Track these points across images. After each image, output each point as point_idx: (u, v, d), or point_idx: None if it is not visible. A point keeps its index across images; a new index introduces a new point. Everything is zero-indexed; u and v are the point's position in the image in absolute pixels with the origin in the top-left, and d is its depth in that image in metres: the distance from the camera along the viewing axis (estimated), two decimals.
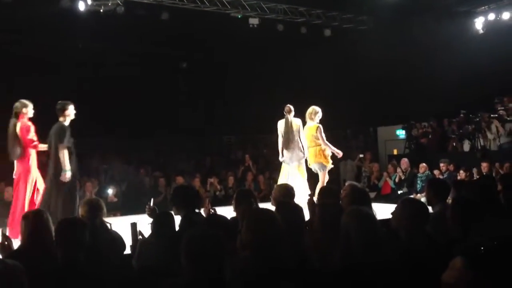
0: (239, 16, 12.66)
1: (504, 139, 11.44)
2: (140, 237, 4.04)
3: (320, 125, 7.83)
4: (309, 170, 8.15)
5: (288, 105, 8.07)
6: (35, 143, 6.23)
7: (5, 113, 6.38)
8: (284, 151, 7.97)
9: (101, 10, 11.22)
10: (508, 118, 11.59)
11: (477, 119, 11.74)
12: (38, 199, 6.23)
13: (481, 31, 13.35)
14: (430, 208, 3.97)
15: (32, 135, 6.21)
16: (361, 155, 13.32)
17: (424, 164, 10.59)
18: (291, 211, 3.69)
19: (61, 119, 6.24)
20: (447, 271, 1.62)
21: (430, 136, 13.02)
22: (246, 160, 12.87)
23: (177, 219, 4.15)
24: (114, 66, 14.23)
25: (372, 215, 2.94)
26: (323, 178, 7.78)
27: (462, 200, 3.42)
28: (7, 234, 4.61)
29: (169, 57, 15.35)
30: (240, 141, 16.41)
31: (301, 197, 5.48)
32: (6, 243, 3.50)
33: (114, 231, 4.21)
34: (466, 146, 12.24)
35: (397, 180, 11.05)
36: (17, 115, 6.19)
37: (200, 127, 15.38)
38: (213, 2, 12.03)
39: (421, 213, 3.13)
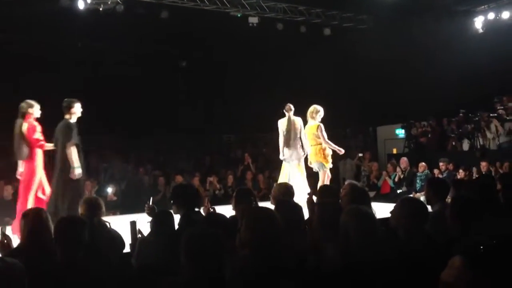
0: (239, 15, 12.65)
1: (503, 138, 11.45)
2: (140, 235, 4.04)
3: (321, 124, 7.83)
4: (308, 169, 8.15)
5: (288, 103, 8.07)
6: (41, 142, 6.24)
7: (8, 113, 6.38)
8: (285, 149, 7.97)
9: (101, 9, 11.21)
10: (508, 118, 11.61)
11: (477, 119, 11.75)
12: (44, 196, 6.24)
13: (480, 31, 13.36)
14: (429, 207, 3.98)
15: (38, 135, 6.23)
16: (360, 154, 13.33)
17: (423, 163, 10.59)
18: (290, 210, 3.69)
19: (67, 116, 6.25)
20: (446, 270, 1.62)
21: (429, 135, 13.03)
22: (246, 159, 12.86)
23: (177, 218, 4.15)
24: (113, 64, 14.22)
25: (371, 214, 2.94)
26: (323, 177, 7.77)
27: (461, 199, 3.42)
28: (12, 232, 4.63)
29: (169, 56, 15.34)
30: (239, 140, 16.41)
31: (301, 196, 5.48)
32: (5, 241, 3.50)
33: (113, 229, 4.22)
34: (466, 145, 12.26)
35: (396, 179, 11.06)
36: (23, 116, 6.20)
37: (200, 126, 15.38)
38: (212, 1, 12.02)
39: (420, 212, 3.14)
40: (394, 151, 13.97)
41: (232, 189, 10.18)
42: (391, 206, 3.37)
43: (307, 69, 13.96)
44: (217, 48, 14.58)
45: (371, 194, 8.58)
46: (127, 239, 4.18)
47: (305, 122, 8.07)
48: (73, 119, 6.25)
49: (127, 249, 4.15)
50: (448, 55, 12.29)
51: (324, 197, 4.36)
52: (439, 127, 13.04)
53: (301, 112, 8.22)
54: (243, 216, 2.93)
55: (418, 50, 12.93)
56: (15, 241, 3.67)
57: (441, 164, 10.39)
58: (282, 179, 7.88)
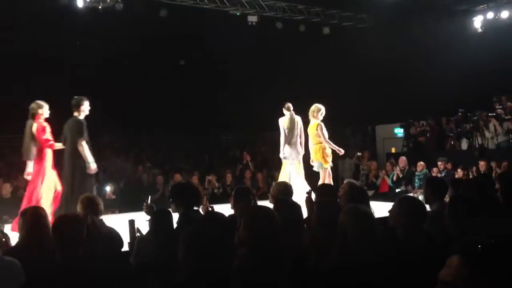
0: (238, 14, 12.64)
1: (502, 137, 11.46)
2: (138, 234, 4.04)
3: (321, 123, 7.82)
4: (307, 168, 8.15)
5: (288, 102, 8.07)
6: (51, 142, 6.29)
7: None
8: (286, 147, 7.96)
9: (100, 7, 11.19)
10: (506, 117, 11.62)
11: (475, 118, 11.76)
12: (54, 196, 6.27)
13: (480, 30, 13.38)
14: (427, 207, 3.98)
15: (48, 135, 6.28)
16: (359, 153, 13.34)
17: (422, 162, 10.61)
18: (289, 209, 3.69)
19: (75, 114, 6.35)
20: (444, 269, 1.62)
21: (428, 135, 13.04)
22: (245, 158, 12.86)
23: (175, 216, 4.15)
24: (111, 63, 14.19)
25: (369, 213, 2.94)
26: (324, 177, 7.76)
27: (459, 198, 3.42)
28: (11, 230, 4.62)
29: (167, 55, 15.31)
30: (238, 139, 16.41)
31: (300, 195, 5.48)
32: (3, 239, 3.50)
33: (112, 228, 4.22)
34: (464, 145, 12.27)
35: (395, 178, 11.07)
36: (34, 116, 6.26)
37: (199, 125, 15.37)
38: None
39: (418, 211, 3.14)
40: (393, 150, 13.97)
41: (231, 188, 10.19)
42: (389, 205, 3.37)
43: (306, 68, 13.95)
44: (216, 47, 14.56)
45: (370, 193, 8.58)
46: (126, 238, 4.18)
47: (306, 121, 8.06)
48: (82, 117, 6.36)
49: (125, 247, 4.14)
50: (447, 54, 12.30)
51: (323, 196, 4.37)
52: (438, 127, 13.05)
53: (300, 111, 8.22)
54: (241, 214, 2.93)
55: (417, 50, 12.93)
56: (14, 239, 3.67)
57: (439, 163, 10.40)
58: (282, 178, 7.88)
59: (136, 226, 4.14)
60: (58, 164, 6.47)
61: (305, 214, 4.40)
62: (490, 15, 13.23)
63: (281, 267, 2.56)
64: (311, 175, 8.28)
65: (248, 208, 3.61)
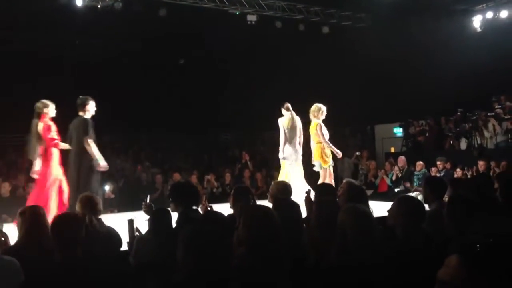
0: (237, 13, 12.64)
1: (501, 137, 11.47)
2: (137, 233, 4.03)
3: (321, 123, 7.80)
4: (308, 168, 8.15)
5: (287, 102, 8.04)
6: (56, 141, 6.32)
7: None
8: (287, 147, 7.92)
9: (99, 6, 11.18)
10: (505, 117, 11.62)
11: (474, 118, 11.76)
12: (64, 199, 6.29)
13: (479, 30, 13.38)
14: (426, 206, 3.99)
15: (54, 134, 6.31)
16: (358, 153, 13.34)
17: (421, 162, 10.61)
18: (288, 208, 3.70)
19: (81, 113, 6.41)
20: (442, 269, 1.63)
21: (427, 134, 13.04)
22: (244, 157, 12.86)
23: (174, 216, 4.15)
24: (111, 62, 14.19)
25: (368, 213, 2.94)
26: (324, 176, 7.75)
27: (458, 198, 3.43)
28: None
29: (167, 54, 15.31)
30: (237, 138, 16.41)
31: (299, 194, 5.48)
32: (2, 238, 3.50)
33: (111, 227, 4.22)
34: (463, 144, 12.27)
35: (394, 178, 11.07)
36: (39, 115, 6.29)
37: (198, 124, 15.37)
38: None
39: (417, 210, 3.14)
40: (392, 149, 13.98)
41: (230, 187, 10.18)
42: (388, 205, 3.37)
43: (305, 67, 13.95)
44: (215, 46, 14.56)
45: (369, 192, 8.59)
46: (125, 237, 4.18)
47: (306, 121, 8.05)
48: (87, 116, 6.42)
49: (124, 247, 4.14)
50: (446, 54, 12.30)
51: (322, 195, 4.37)
52: (437, 126, 13.05)
53: (300, 111, 8.20)
54: (241, 214, 2.93)
55: (416, 49, 12.93)
56: (14, 239, 3.67)
57: (438, 163, 10.40)
58: (281, 178, 7.86)
59: (135, 225, 4.14)
60: (63, 163, 6.49)
61: (304, 213, 4.41)
62: (489, 14, 13.23)
63: (281, 267, 2.57)
64: (311, 175, 8.28)
65: (247, 207, 3.61)
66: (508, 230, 3.08)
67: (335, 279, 2.54)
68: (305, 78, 14.04)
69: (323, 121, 7.91)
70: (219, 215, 4.21)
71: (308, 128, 7.98)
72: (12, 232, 3.84)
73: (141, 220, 4.21)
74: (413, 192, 10.28)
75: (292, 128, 7.91)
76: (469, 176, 9.33)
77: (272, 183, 5.43)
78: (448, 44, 12.65)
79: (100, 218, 4.18)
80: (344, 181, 4.60)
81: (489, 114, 11.72)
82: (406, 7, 12.21)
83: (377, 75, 13.64)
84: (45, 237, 3.28)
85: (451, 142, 12.40)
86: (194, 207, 4.36)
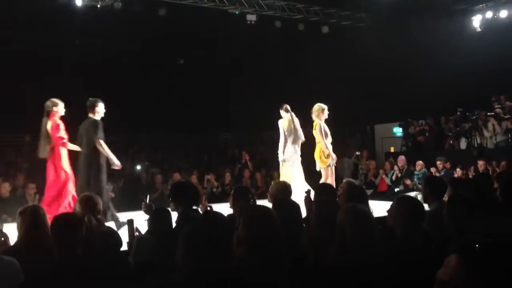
0: (237, 13, 12.64)
1: (501, 137, 11.47)
2: (137, 233, 4.04)
3: (320, 123, 7.78)
4: (308, 168, 8.14)
5: (285, 104, 8.02)
6: (64, 141, 6.35)
7: None
8: (287, 148, 7.89)
9: (98, 6, 11.18)
10: (505, 116, 11.62)
11: (474, 117, 11.76)
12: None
13: (478, 29, 13.38)
14: (426, 206, 3.99)
15: (62, 133, 6.34)
16: (357, 153, 13.34)
17: (421, 161, 10.61)
18: (288, 208, 3.70)
19: (90, 115, 6.50)
20: (442, 268, 1.63)
21: (427, 134, 13.04)
22: (243, 157, 12.86)
23: (174, 215, 4.15)
24: (111, 62, 14.19)
25: (368, 213, 2.94)
26: (326, 176, 7.74)
27: (458, 197, 3.43)
28: None
29: (167, 53, 15.31)
30: (237, 138, 16.41)
31: (299, 194, 5.48)
32: (2, 239, 3.50)
33: (110, 227, 4.22)
34: (463, 144, 12.27)
35: (393, 177, 11.08)
36: (49, 114, 6.33)
37: (198, 124, 15.38)
38: None
39: (416, 210, 3.14)
40: (392, 149, 13.98)
41: (230, 187, 10.18)
42: (388, 205, 3.37)
43: (305, 67, 13.94)
44: (214, 46, 14.57)
45: (369, 192, 8.60)
46: (125, 237, 4.18)
47: (308, 120, 8.03)
48: (97, 118, 6.51)
49: (124, 247, 4.14)
50: (446, 54, 12.30)
51: (321, 195, 4.37)
52: (437, 126, 13.05)
53: (299, 111, 8.19)
54: (240, 214, 2.93)
55: (416, 49, 12.93)
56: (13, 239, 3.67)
57: (438, 162, 10.40)
58: (282, 179, 7.83)
59: (135, 225, 4.14)
60: (72, 165, 6.53)
61: (304, 213, 4.40)
62: (489, 14, 13.23)
63: (280, 267, 2.56)
64: (311, 175, 8.27)
65: (247, 207, 3.61)
66: (508, 230, 3.08)
67: (334, 279, 2.54)
68: (305, 78, 14.04)
69: (326, 120, 7.89)
70: (218, 215, 4.20)
71: (311, 128, 7.97)
72: (12, 232, 3.84)
73: (141, 220, 4.21)
74: (411, 187, 10.31)
75: (291, 130, 7.89)
76: (469, 176, 9.32)
77: (272, 183, 5.43)
78: (448, 44, 12.65)
79: (100, 218, 4.18)
80: (344, 181, 4.60)
81: (488, 113, 11.72)
82: (405, 7, 12.21)
83: (377, 75, 13.64)
84: (45, 237, 3.28)
85: (451, 142, 12.40)
86: (194, 207, 4.36)
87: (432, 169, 10.41)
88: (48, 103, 6.35)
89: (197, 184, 10.68)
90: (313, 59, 13.60)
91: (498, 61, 11.90)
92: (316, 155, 7.82)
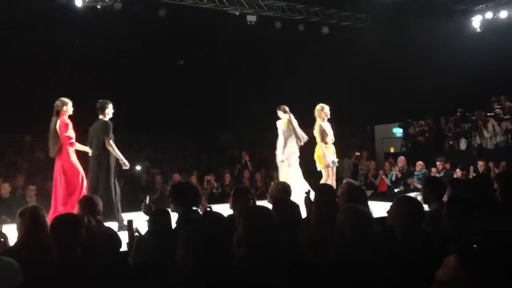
0: (237, 13, 12.65)
1: (500, 137, 11.47)
2: (137, 234, 4.04)
3: (321, 123, 7.78)
4: (308, 168, 8.13)
5: (283, 105, 8.02)
6: (72, 140, 6.41)
7: None
8: (286, 148, 7.89)
9: (98, 7, 11.19)
10: (505, 117, 11.62)
11: (474, 118, 11.76)
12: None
13: (478, 30, 13.39)
14: (426, 206, 3.99)
15: (70, 132, 6.40)
16: (357, 153, 13.34)
17: (420, 162, 10.60)
18: (287, 209, 3.70)
19: (101, 116, 6.59)
20: (441, 269, 1.63)
21: (426, 135, 13.04)
22: (243, 158, 12.86)
23: (174, 216, 4.15)
24: (111, 62, 14.19)
25: (367, 213, 2.94)
26: (326, 176, 7.75)
27: (458, 198, 3.42)
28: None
29: (167, 54, 15.32)
30: (237, 139, 16.41)
31: (298, 195, 5.48)
32: (2, 239, 3.50)
33: (109, 227, 4.21)
34: (463, 145, 12.27)
35: (393, 178, 11.07)
36: (58, 113, 6.39)
37: (198, 124, 15.38)
38: None
39: (416, 211, 3.14)
40: (392, 150, 13.98)
41: (230, 188, 10.18)
42: (388, 205, 3.37)
43: (305, 67, 13.95)
44: (214, 47, 14.58)
45: (368, 193, 8.60)
46: (124, 238, 4.18)
47: (308, 120, 8.03)
48: (107, 119, 6.59)
49: (124, 247, 4.14)
50: (446, 54, 12.31)
51: (321, 196, 4.37)
52: (437, 126, 13.05)
53: (299, 111, 8.20)
54: (240, 214, 2.93)
55: (416, 49, 12.94)
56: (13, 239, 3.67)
57: (438, 163, 10.40)
58: (282, 179, 7.83)
59: (134, 226, 4.14)
60: (83, 166, 6.59)
61: (304, 214, 4.41)
62: (489, 15, 13.24)
63: (280, 267, 2.56)
64: (311, 175, 8.27)
65: (246, 208, 3.61)
66: (508, 230, 3.08)
67: (334, 279, 2.54)
68: (305, 78, 14.05)
69: (328, 120, 7.89)
70: (218, 215, 4.20)
71: (311, 128, 7.98)
72: (11, 233, 3.84)
73: (141, 221, 4.21)
74: (411, 186, 10.30)
75: (290, 130, 7.90)
76: (469, 177, 9.33)
77: (272, 183, 5.43)
78: (448, 44, 12.66)
79: (100, 219, 4.18)
80: (344, 181, 4.60)
81: (488, 114, 11.72)
82: (405, 7, 12.23)
83: (377, 76, 13.64)
84: (45, 237, 3.28)
85: (451, 142, 12.40)
86: (194, 208, 4.36)
87: (432, 170, 10.41)
88: (57, 102, 6.41)
89: (197, 184, 10.67)
90: (313, 60, 13.61)
91: (498, 61, 11.91)
92: (316, 155, 7.82)
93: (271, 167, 11.37)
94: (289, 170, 7.85)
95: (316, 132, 7.79)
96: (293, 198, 4.68)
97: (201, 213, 4.42)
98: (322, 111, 7.81)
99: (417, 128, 13.34)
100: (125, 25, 12.15)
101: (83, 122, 6.75)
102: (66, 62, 13.27)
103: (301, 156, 8.09)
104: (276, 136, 8.15)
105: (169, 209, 4.12)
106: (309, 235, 3.37)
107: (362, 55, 12.75)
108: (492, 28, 13.06)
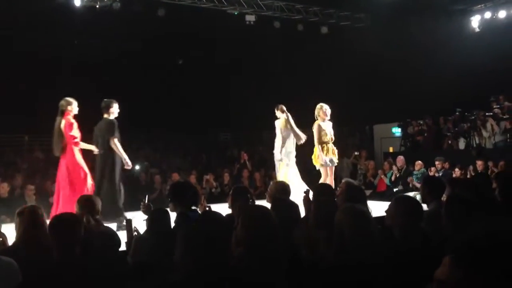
0: (236, 13, 12.64)
1: (499, 137, 11.48)
2: (135, 233, 4.04)
3: (318, 124, 7.78)
4: (307, 168, 8.14)
5: (281, 105, 8.03)
6: (76, 140, 6.43)
7: None
8: (284, 147, 7.89)
9: (97, 6, 11.18)
10: (503, 117, 11.63)
11: (473, 117, 11.77)
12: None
13: (477, 30, 13.40)
14: (425, 206, 3.99)
15: (75, 131, 6.42)
16: (356, 153, 13.35)
17: (419, 161, 10.62)
18: (286, 208, 3.70)
19: (105, 115, 6.63)
20: (440, 268, 1.63)
21: (425, 134, 13.05)
22: (242, 157, 12.86)
23: (173, 216, 4.15)
24: (110, 62, 14.18)
25: (366, 213, 2.94)
26: (324, 175, 7.75)
27: (457, 197, 3.43)
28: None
29: (166, 54, 15.32)
30: (236, 138, 16.41)
31: (297, 195, 5.48)
32: (0, 239, 3.50)
33: (108, 227, 4.21)
34: (462, 144, 12.28)
35: (392, 177, 11.08)
36: (63, 113, 6.41)
37: (197, 124, 15.38)
38: None
39: (415, 210, 3.14)
40: (391, 149, 13.99)
41: (229, 187, 10.18)
42: (387, 205, 3.37)
43: (304, 67, 13.95)
44: (213, 46, 14.58)
45: (367, 192, 8.60)
46: (123, 237, 4.18)
47: (308, 120, 8.03)
48: (112, 118, 6.63)
49: (122, 247, 4.14)
50: (444, 54, 12.32)
51: (320, 195, 4.37)
52: (435, 126, 13.06)
53: (299, 111, 8.20)
54: (239, 214, 2.93)
55: (415, 49, 12.95)
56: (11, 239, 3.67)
57: (437, 162, 10.40)
58: (280, 179, 7.84)
59: (133, 225, 4.14)
60: (88, 165, 6.62)
61: (302, 213, 4.41)
62: (488, 15, 13.26)
63: (279, 267, 2.57)
64: (310, 175, 8.27)
65: (245, 207, 3.61)
66: (506, 229, 3.08)
67: (332, 279, 2.54)
68: (304, 78, 14.04)
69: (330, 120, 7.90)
70: (217, 215, 4.20)
71: (310, 128, 7.98)
72: (10, 232, 3.84)
73: (140, 220, 4.21)
74: (410, 185, 10.31)
75: (287, 129, 7.91)
76: (468, 176, 9.34)
77: (271, 183, 5.43)
78: (447, 44, 12.67)
79: (99, 218, 4.18)
80: (343, 181, 4.60)
81: (487, 114, 11.73)
82: (405, 7, 12.23)
83: (376, 75, 13.65)
84: (44, 237, 3.28)
85: (450, 142, 12.41)
86: (193, 207, 4.36)
87: (431, 169, 10.42)
88: (62, 102, 6.44)
89: (196, 184, 10.67)
90: (312, 60, 13.61)
91: (497, 61, 11.93)
92: (313, 154, 7.84)
93: (270, 166, 11.35)
94: (288, 170, 7.86)
95: (314, 132, 7.80)
96: (292, 197, 4.68)
97: (200, 212, 4.42)
98: (321, 110, 7.81)
99: (416, 127, 13.35)
100: (124, 25, 12.15)
101: (83, 122, 6.75)
102: (66, 62, 13.27)
103: (301, 155, 8.09)
104: (274, 135, 8.17)
105: (168, 209, 4.12)
106: (307, 235, 3.37)
107: (361, 55, 12.75)
108: (491, 28, 13.08)
